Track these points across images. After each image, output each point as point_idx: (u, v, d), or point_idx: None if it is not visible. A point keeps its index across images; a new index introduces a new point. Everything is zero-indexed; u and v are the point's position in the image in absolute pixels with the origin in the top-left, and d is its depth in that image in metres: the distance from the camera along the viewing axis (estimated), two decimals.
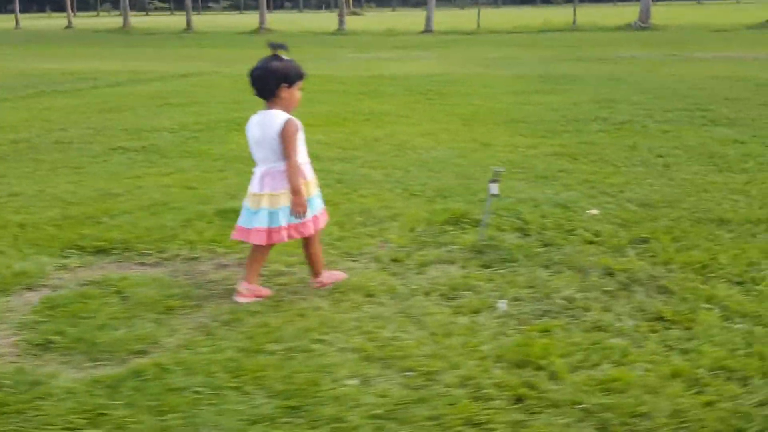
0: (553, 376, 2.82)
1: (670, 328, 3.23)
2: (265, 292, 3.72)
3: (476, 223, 4.64)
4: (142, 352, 3.13)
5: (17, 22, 53.49)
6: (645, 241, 4.34)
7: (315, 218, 3.73)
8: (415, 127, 8.75)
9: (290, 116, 3.60)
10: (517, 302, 3.56)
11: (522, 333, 3.20)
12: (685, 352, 3.01)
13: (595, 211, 4.94)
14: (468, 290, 3.71)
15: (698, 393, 2.69)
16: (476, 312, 3.45)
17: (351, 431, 2.51)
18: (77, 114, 10.41)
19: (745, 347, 3.00)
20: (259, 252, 3.73)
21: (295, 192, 3.57)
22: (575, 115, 9.27)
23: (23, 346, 3.23)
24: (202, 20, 54.49)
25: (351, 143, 7.72)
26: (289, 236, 3.65)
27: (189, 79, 15.65)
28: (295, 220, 3.61)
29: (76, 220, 5.04)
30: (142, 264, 4.29)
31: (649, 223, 4.66)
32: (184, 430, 2.54)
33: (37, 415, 2.65)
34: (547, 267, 3.99)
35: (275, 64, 3.60)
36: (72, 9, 57.77)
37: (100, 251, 4.47)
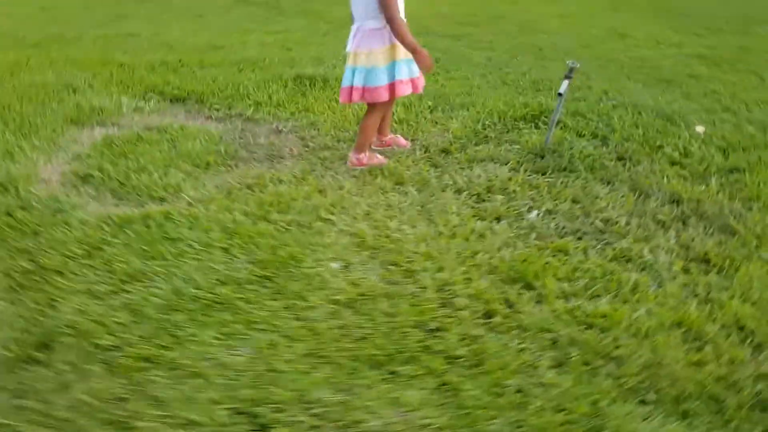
0: (539, 299, 2.62)
1: (708, 272, 2.84)
2: (377, 161, 3.71)
3: (558, 123, 4.26)
4: (161, 199, 3.28)
5: None
6: (740, 170, 3.77)
7: (402, 82, 3.53)
8: (556, 6, 8.03)
9: None
10: (551, 216, 3.28)
11: (533, 248, 2.96)
12: (707, 301, 2.64)
13: (701, 128, 4.33)
14: (504, 194, 3.46)
15: (695, 350, 2.38)
16: (499, 218, 3.23)
17: (305, 310, 2.51)
18: None
19: None
20: (367, 115, 3.66)
21: (413, 51, 3.36)
22: (754, 11, 7.99)
23: (68, 177, 3.51)
24: None
25: (473, 18, 7.26)
26: (362, 98, 3.52)
27: None
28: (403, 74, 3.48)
29: (170, 66, 5.26)
30: (209, 117, 4.43)
31: (757, 152, 4.02)
32: (161, 276, 2.66)
33: (48, 239, 2.89)
34: (607, 183, 3.61)
35: None
36: None
37: (178, 99, 4.66)
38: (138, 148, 3.81)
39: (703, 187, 3.58)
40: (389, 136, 3.95)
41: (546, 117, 4.39)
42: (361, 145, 3.72)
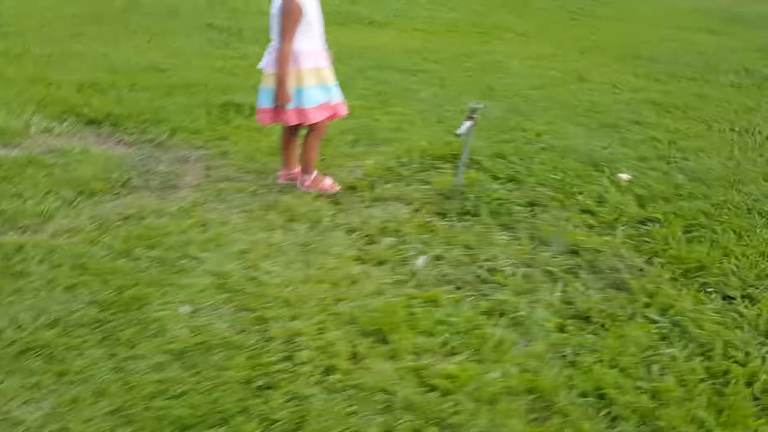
0: (390, 354, 2.44)
1: (583, 332, 2.66)
2: (328, 184, 3.69)
3: (476, 164, 4.11)
4: (23, 228, 3.13)
5: None
6: (652, 222, 3.61)
7: (326, 106, 3.54)
8: (524, 48, 7.95)
9: None
10: (438, 262, 3.11)
11: (403, 297, 2.79)
12: (572, 364, 2.46)
13: (625, 176, 4.18)
14: (396, 236, 3.30)
15: (539, 420, 2.20)
16: (382, 262, 3.07)
17: (129, 360, 2.34)
18: None
19: (648, 380, 2.40)
20: (285, 135, 3.68)
21: (279, 81, 3.35)
22: (720, 62, 7.90)
23: None
24: None
25: (439, 55, 7.17)
26: (273, 120, 3.51)
27: None
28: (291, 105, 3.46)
29: (99, 87, 5.15)
30: (119, 141, 4.31)
31: (678, 202, 3.86)
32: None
33: None
34: (508, 229, 3.45)
35: None
36: None
37: (93, 122, 4.55)
38: (25, 172, 3.67)
39: (608, 237, 3.41)
40: (297, 169, 3.80)
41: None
42: (305, 165, 3.71)
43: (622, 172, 4.23)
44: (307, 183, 3.73)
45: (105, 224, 3.21)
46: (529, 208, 3.67)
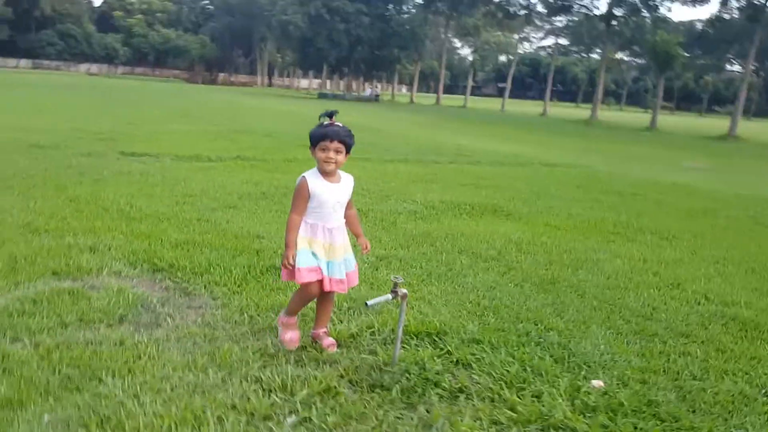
0: None
1: None
2: (287, 338, 4.08)
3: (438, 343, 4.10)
4: None
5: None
6: None
7: (323, 278, 3.92)
8: (656, 253, 7.56)
9: (305, 175, 3.94)
10: (307, 424, 3.20)
11: None
12: None
13: (598, 383, 3.83)
14: (285, 393, 3.45)
15: None
16: (266, 417, 3.25)
17: None
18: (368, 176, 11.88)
19: None
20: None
21: (286, 245, 3.90)
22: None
23: None
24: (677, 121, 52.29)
25: (532, 247, 7.17)
26: (287, 277, 3.98)
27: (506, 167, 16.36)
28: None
29: (194, 245, 6.12)
30: (162, 286, 5.08)
31: None
32: None
33: None
34: (411, 408, 3.40)
35: (312, 129, 3.99)
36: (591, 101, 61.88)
37: (160, 270, 5.42)
38: (57, 297, 4.54)
39: None
40: (318, 330, 4.19)
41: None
42: (288, 306, 4.14)
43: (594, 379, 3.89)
44: (281, 319, 4.16)
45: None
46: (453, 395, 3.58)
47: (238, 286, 5.09)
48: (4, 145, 12.14)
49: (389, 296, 3.78)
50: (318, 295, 4.02)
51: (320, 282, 3.89)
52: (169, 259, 5.61)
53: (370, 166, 13.01)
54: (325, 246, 3.92)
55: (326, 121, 3.90)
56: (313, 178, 3.89)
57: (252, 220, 7.43)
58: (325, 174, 3.91)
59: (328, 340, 4.10)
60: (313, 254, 3.90)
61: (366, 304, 3.76)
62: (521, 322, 4.71)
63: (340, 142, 3.85)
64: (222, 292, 4.98)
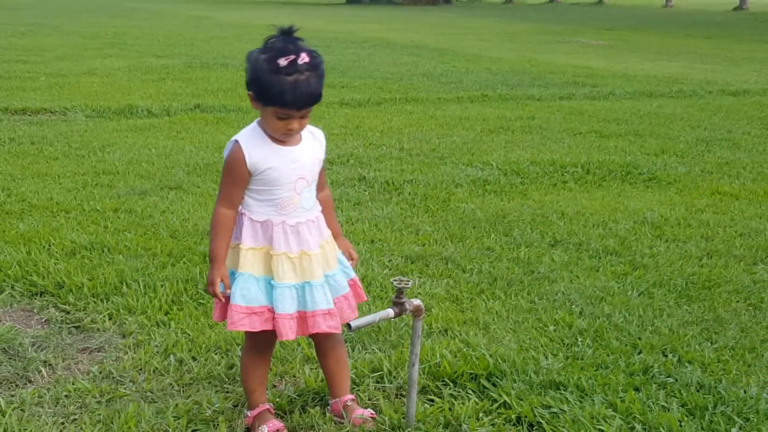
0: None
1: None
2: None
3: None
4: None
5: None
6: None
7: (262, 311, 2.37)
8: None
9: (237, 139, 2.36)
10: None
11: None
12: None
13: None
14: None
15: None
16: None
17: None
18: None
19: None
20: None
21: (210, 259, 2.39)
22: None
23: None
24: None
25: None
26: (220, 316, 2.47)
27: None
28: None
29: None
30: (43, 320, 3.46)
31: None
32: None
33: None
34: None
35: (252, 54, 2.33)
36: None
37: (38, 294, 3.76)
38: None
39: None
40: (337, 399, 2.59)
41: None
42: (247, 396, 2.58)
43: None
44: (246, 419, 2.55)
45: None
46: None
47: (165, 314, 3.48)
48: None
49: (390, 312, 2.35)
50: (273, 345, 2.57)
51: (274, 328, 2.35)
52: (57, 275, 3.90)
53: (420, 111, 9.02)
54: (292, 260, 2.36)
55: (284, 60, 2.20)
56: (253, 144, 2.34)
57: (203, 207, 5.22)
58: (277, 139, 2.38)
59: (359, 411, 2.53)
60: (264, 281, 2.36)
61: (349, 326, 2.33)
62: (639, 352, 3.18)
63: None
64: (138, 323, 3.37)
